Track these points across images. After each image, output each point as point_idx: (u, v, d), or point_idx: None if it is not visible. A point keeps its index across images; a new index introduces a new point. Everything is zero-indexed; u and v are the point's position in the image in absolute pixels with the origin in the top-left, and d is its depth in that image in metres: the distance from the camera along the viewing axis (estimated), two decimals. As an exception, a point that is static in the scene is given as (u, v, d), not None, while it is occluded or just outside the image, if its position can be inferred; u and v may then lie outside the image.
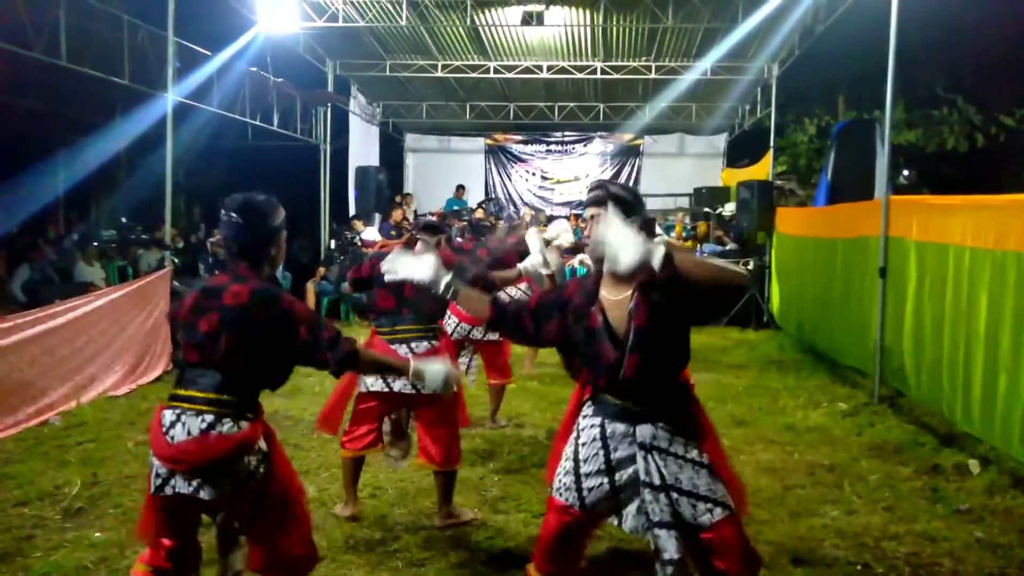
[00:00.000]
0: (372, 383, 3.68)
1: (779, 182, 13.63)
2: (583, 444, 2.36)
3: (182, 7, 7.69)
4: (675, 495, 2.22)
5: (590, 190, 2.41)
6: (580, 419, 2.42)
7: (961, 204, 5.23)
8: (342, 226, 12.21)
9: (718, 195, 13.66)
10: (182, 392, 2.34)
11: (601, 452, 2.31)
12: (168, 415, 2.31)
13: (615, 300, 2.27)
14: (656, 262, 1.99)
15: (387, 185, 12.82)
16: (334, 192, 12.90)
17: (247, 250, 2.42)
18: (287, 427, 5.39)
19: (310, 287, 10.78)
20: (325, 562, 3.32)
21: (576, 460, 2.35)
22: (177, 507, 2.33)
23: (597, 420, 2.35)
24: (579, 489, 2.32)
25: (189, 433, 2.26)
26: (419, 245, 3.90)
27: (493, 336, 5.31)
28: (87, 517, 3.83)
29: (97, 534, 3.61)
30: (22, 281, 8.68)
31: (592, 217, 2.34)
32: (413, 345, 3.70)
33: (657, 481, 2.22)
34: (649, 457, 2.24)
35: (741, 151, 15.50)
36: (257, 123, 11.59)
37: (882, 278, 6.07)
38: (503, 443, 5.09)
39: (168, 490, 2.29)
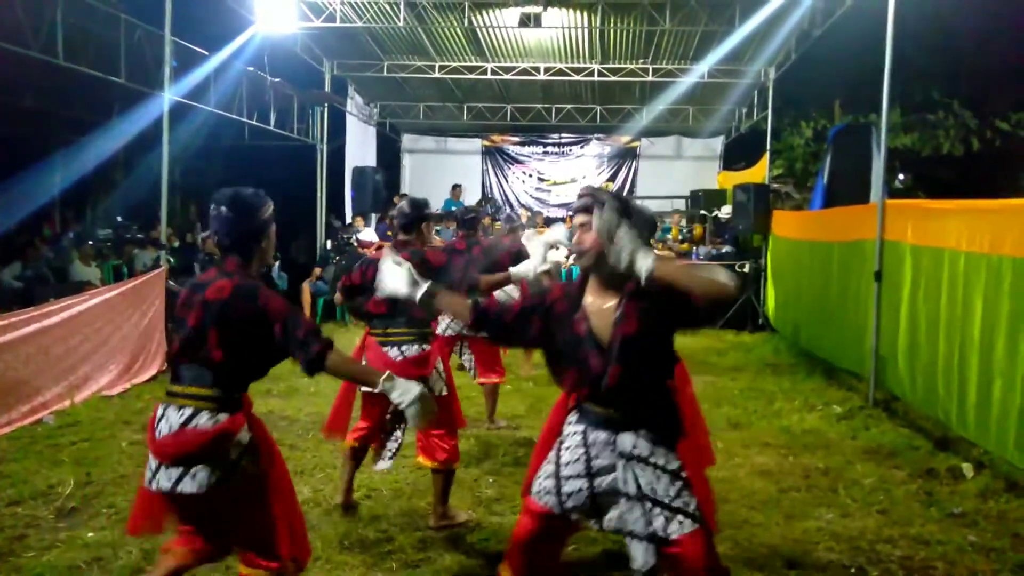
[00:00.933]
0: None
1: (775, 185, 13.65)
2: (566, 449, 2.37)
3: (179, 6, 7.69)
4: (649, 505, 2.21)
5: (579, 196, 2.37)
6: (565, 426, 2.43)
7: (957, 208, 5.24)
8: (342, 226, 12.20)
9: (715, 198, 13.67)
10: (173, 387, 2.38)
11: (582, 458, 2.32)
12: (160, 409, 2.37)
13: (600, 308, 2.27)
14: (643, 272, 1.99)
15: (384, 185, 12.82)
16: (331, 192, 12.89)
17: (236, 244, 2.43)
18: (283, 427, 5.38)
19: (306, 287, 10.77)
20: (319, 562, 3.31)
21: (557, 464, 2.36)
22: (166, 504, 2.37)
23: (580, 428, 2.36)
24: (559, 492, 2.33)
25: (171, 427, 2.31)
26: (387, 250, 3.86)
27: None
28: (80, 517, 3.82)
29: (90, 534, 3.60)
30: (13, 276, 8.66)
31: (581, 225, 2.31)
32: (404, 348, 3.69)
33: (633, 491, 2.22)
34: (628, 466, 2.24)
35: (738, 154, 15.54)
36: (254, 123, 11.58)
37: (877, 282, 6.08)
38: (498, 444, 5.09)
39: (154, 485, 2.33)
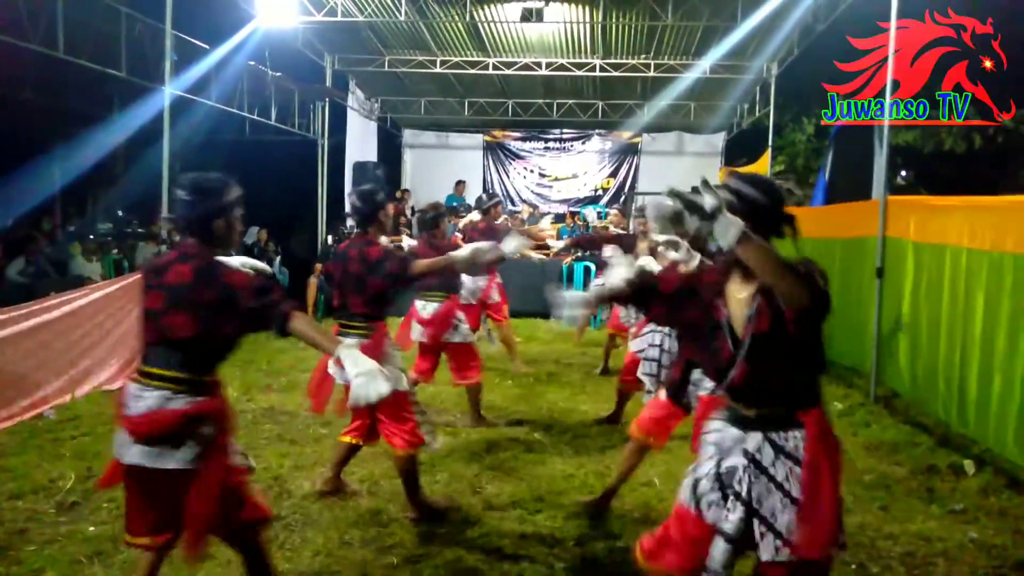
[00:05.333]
0: (340, 377, 3.60)
1: (777, 181, 13.63)
2: (702, 447, 2.29)
3: (180, 0, 7.67)
4: (752, 517, 2.11)
5: (723, 188, 2.29)
6: (707, 423, 2.33)
7: (959, 205, 5.23)
8: (340, 222, 12.17)
9: (716, 194, 13.64)
10: (143, 368, 2.44)
11: (714, 458, 2.22)
12: (131, 388, 2.43)
13: (738, 297, 2.17)
14: (730, 237, 1.88)
15: (385, 181, 12.80)
16: (331, 187, 12.88)
17: (194, 225, 2.48)
18: (283, 422, 5.38)
19: (313, 282, 10.76)
20: (320, 556, 3.32)
21: (695, 464, 2.29)
22: (138, 478, 2.44)
23: (716, 424, 2.26)
24: (695, 493, 2.24)
25: (148, 407, 2.37)
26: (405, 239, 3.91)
27: (459, 339, 5.22)
28: (81, 511, 3.82)
29: (91, 528, 3.60)
30: (17, 271, 8.66)
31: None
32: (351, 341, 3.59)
33: (744, 494, 2.12)
34: (748, 468, 2.13)
35: (739, 150, 15.52)
36: (255, 117, 11.57)
37: (879, 278, 6.07)
38: (498, 440, 5.08)
39: (128, 458, 2.40)
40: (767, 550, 2.07)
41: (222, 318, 2.38)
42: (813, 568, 2.10)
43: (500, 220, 7.72)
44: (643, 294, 2.38)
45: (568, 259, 10.76)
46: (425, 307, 5.26)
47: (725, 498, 2.16)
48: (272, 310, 2.36)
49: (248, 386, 6.39)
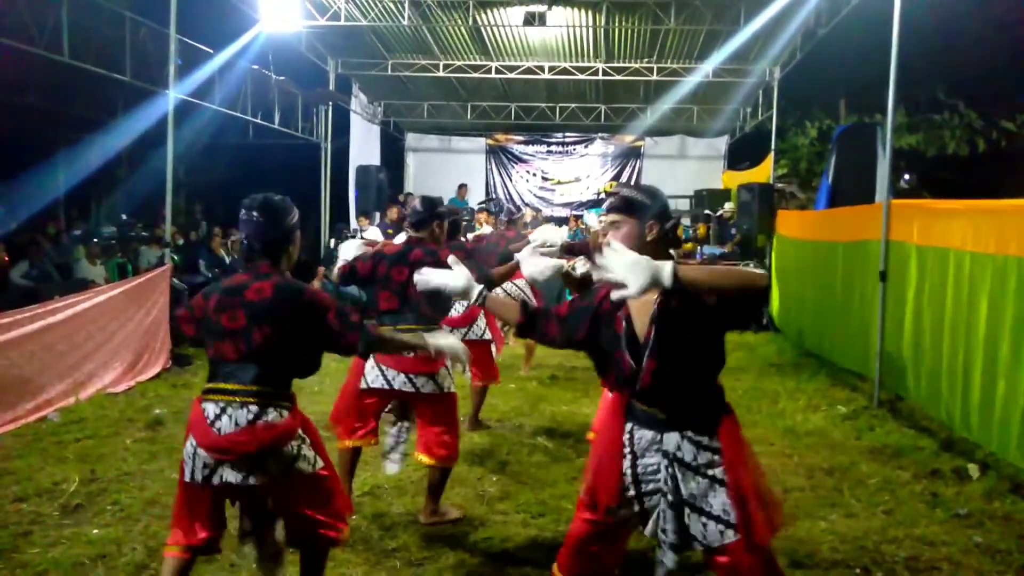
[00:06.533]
0: (373, 380, 3.67)
1: (780, 185, 13.64)
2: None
3: (184, 5, 7.69)
4: (687, 511, 2.17)
5: (608, 195, 2.38)
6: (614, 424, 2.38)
7: (962, 209, 5.22)
8: (345, 225, 12.21)
9: (719, 198, 13.65)
10: (221, 386, 2.47)
11: (628, 458, 2.27)
12: (211, 408, 2.45)
13: (640, 305, 2.21)
14: (666, 280, 1.94)
15: (388, 184, 12.82)
16: (335, 191, 12.90)
17: (267, 248, 2.56)
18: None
19: (315, 286, 10.77)
20: (323, 561, 3.32)
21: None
22: (221, 496, 2.50)
23: (627, 426, 2.31)
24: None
25: (237, 424, 2.41)
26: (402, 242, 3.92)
27: (475, 336, 5.29)
28: (85, 514, 3.83)
29: (95, 531, 3.60)
30: (21, 274, 8.69)
31: (612, 223, 2.28)
32: None
33: (671, 495, 2.18)
34: (671, 468, 2.19)
35: (742, 154, 15.52)
36: (258, 121, 11.59)
37: (882, 282, 6.07)
38: (502, 443, 5.08)
39: (216, 480, 2.43)
40: (713, 536, 2.14)
41: (300, 333, 2.47)
42: (759, 552, 2.15)
43: (527, 229, 7.76)
44: (537, 318, 2.44)
45: (575, 262, 10.74)
46: (453, 305, 5.31)
47: (639, 497, 2.24)
48: (361, 328, 2.50)
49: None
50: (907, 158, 16.06)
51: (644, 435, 2.26)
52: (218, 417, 2.42)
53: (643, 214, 2.25)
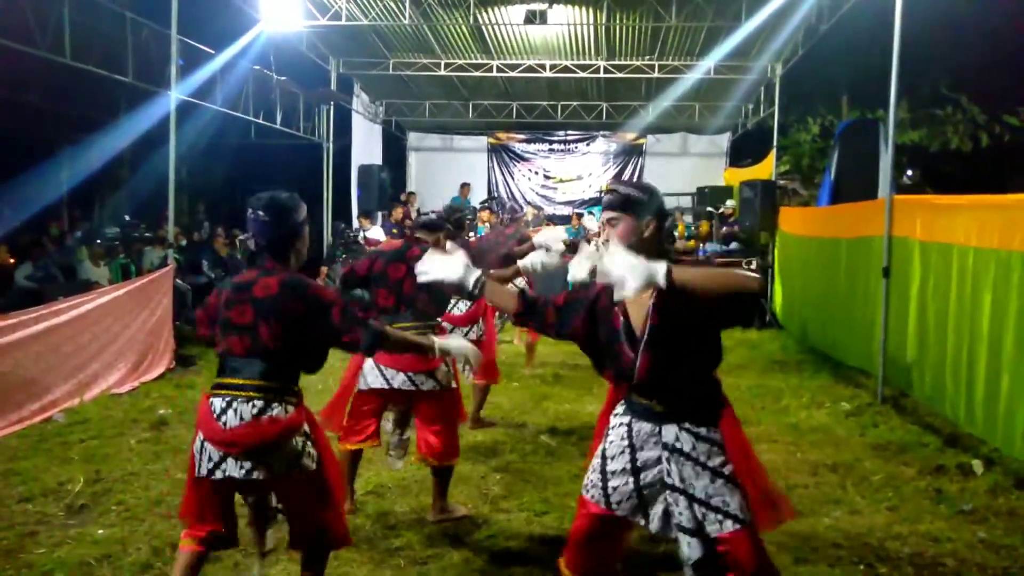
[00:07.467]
0: (372, 380, 3.69)
1: (782, 182, 13.60)
2: (611, 443, 2.35)
3: (186, 5, 7.69)
4: (688, 500, 2.19)
5: (605, 192, 2.40)
6: (612, 417, 2.41)
7: (965, 204, 5.21)
8: (346, 224, 12.21)
9: (721, 195, 13.64)
10: (228, 380, 2.49)
11: (627, 451, 2.29)
12: (218, 403, 2.47)
13: (636, 301, 2.24)
14: (660, 281, 1.98)
15: (390, 184, 12.82)
16: (337, 190, 12.91)
17: (273, 245, 2.57)
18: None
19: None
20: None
21: (603, 458, 2.34)
22: (226, 489, 2.51)
23: (626, 419, 2.33)
24: (604, 487, 2.31)
25: (242, 419, 2.43)
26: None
27: (475, 336, 5.31)
28: (90, 514, 3.84)
29: (100, 531, 3.61)
30: (25, 275, 8.71)
31: (609, 220, 2.30)
32: None
33: (677, 484, 2.20)
34: (671, 459, 2.22)
35: (744, 150, 15.49)
36: (260, 121, 11.60)
37: (886, 278, 6.06)
38: (505, 441, 5.09)
39: (219, 474, 2.44)
40: (712, 526, 2.17)
41: (306, 329, 2.48)
42: (755, 542, 2.17)
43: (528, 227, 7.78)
44: (535, 305, 2.46)
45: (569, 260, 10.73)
46: (456, 304, 5.34)
47: (639, 489, 2.26)
48: (366, 325, 2.49)
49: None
50: (910, 153, 16.02)
51: (643, 427, 2.28)
52: (224, 411, 2.44)
53: (640, 211, 2.27)
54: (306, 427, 2.53)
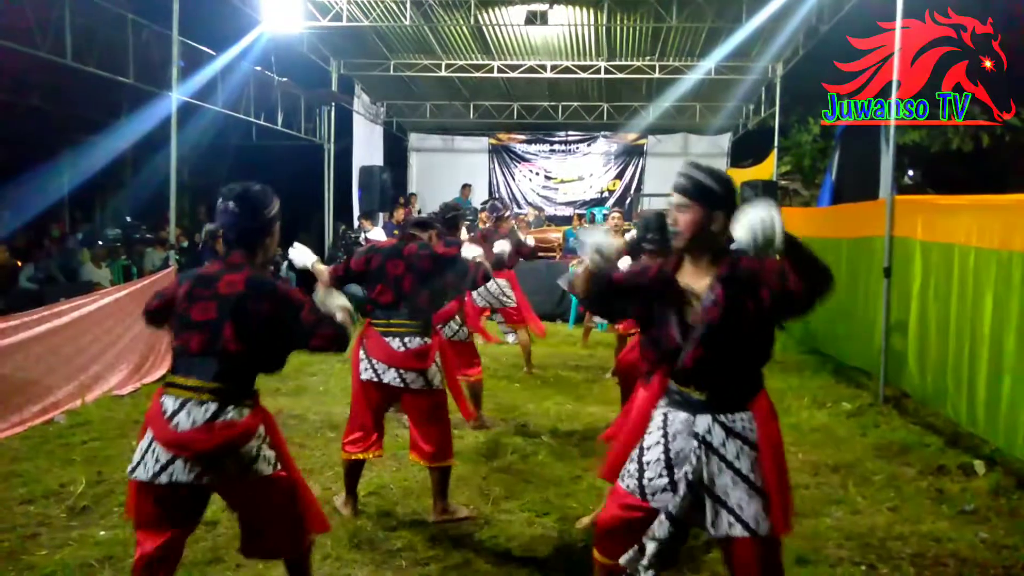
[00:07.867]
0: (363, 372, 3.69)
1: (783, 182, 13.62)
2: (649, 433, 2.31)
3: (187, 6, 7.70)
4: (703, 495, 2.16)
5: (680, 174, 2.26)
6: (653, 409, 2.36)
7: (966, 204, 5.21)
8: (347, 226, 12.20)
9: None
10: (182, 380, 2.36)
11: (661, 442, 2.25)
12: (169, 402, 2.35)
13: (697, 289, 2.20)
14: (778, 241, 1.93)
15: (391, 184, 12.81)
16: (338, 191, 12.92)
17: (242, 238, 2.47)
18: (292, 426, 5.39)
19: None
20: (329, 560, 3.32)
21: (641, 448, 2.30)
22: (171, 496, 2.34)
23: (662, 409, 2.29)
24: (640, 478, 2.26)
25: (195, 422, 2.30)
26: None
27: (448, 335, 5.23)
28: (92, 515, 3.84)
29: (102, 532, 3.62)
30: (27, 277, 8.73)
31: (677, 205, 2.21)
32: (406, 339, 3.69)
33: (696, 475, 2.17)
34: (699, 450, 2.17)
35: (745, 151, 15.49)
36: (261, 122, 11.61)
37: (887, 278, 6.05)
38: (506, 442, 5.09)
39: (165, 478, 2.31)
40: (721, 527, 2.13)
41: (271, 330, 2.38)
42: (773, 544, 2.15)
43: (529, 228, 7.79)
44: (600, 278, 2.37)
45: (576, 261, 10.76)
46: None
47: (673, 483, 2.21)
48: (334, 323, 2.43)
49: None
50: (911, 154, 16.00)
51: (677, 417, 2.24)
52: (176, 412, 2.31)
53: (713, 202, 2.18)
54: (262, 430, 2.41)
